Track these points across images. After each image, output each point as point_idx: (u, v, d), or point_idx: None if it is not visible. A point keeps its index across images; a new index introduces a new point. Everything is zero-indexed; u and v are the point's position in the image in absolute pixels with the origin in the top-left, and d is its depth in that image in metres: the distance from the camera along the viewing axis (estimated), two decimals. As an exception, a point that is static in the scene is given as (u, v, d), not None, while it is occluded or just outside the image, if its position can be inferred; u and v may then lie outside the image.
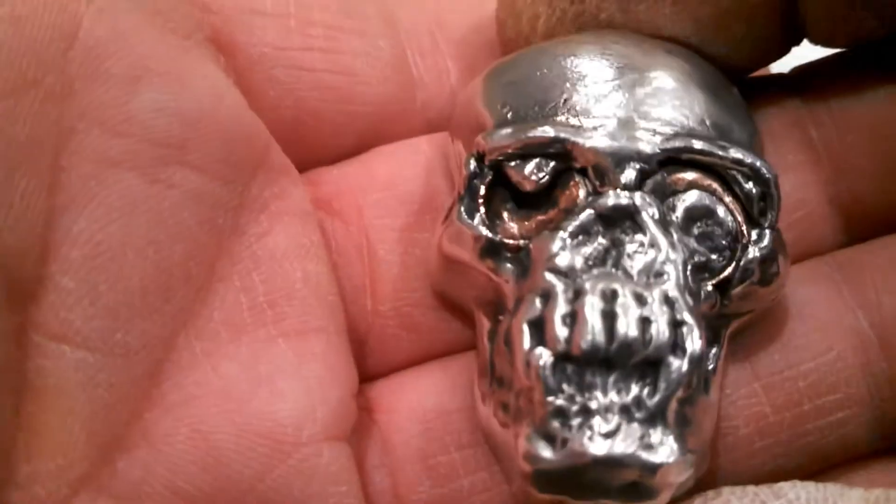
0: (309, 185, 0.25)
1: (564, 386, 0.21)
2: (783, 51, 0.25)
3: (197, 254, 0.21)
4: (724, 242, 0.23)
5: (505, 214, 0.23)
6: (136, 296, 0.21)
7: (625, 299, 0.21)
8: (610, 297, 0.21)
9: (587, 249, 0.22)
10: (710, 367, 0.23)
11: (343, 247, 0.25)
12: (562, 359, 0.21)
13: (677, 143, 0.22)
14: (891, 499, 0.20)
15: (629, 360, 0.21)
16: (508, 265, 0.23)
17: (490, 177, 0.23)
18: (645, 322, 0.21)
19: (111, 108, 0.20)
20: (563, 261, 0.22)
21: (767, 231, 0.23)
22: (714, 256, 0.23)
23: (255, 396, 0.21)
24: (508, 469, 0.22)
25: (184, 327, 0.21)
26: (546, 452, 0.20)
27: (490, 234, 0.23)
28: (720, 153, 0.23)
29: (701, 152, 0.23)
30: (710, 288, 0.22)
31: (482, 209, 0.23)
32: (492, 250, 0.23)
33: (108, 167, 0.20)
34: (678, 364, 0.21)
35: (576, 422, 0.21)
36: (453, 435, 0.24)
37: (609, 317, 0.21)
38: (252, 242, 0.22)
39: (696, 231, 0.23)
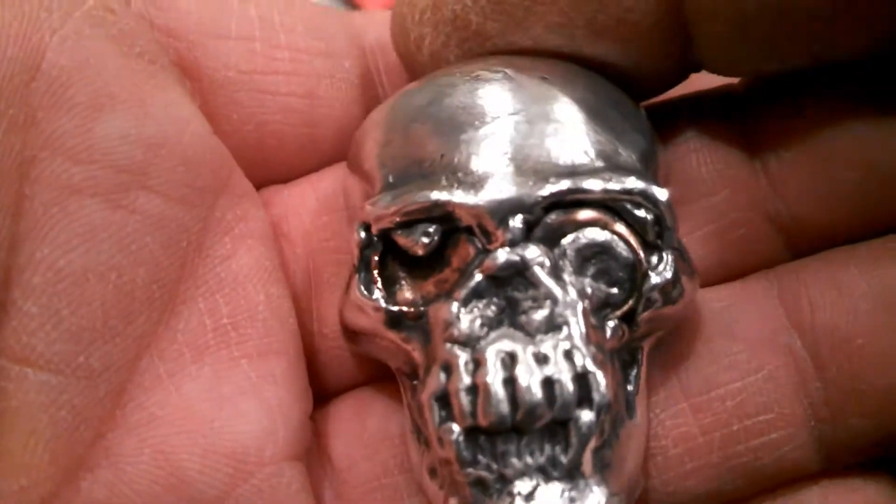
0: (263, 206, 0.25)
1: (479, 457, 0.21)
2: (679, 80, 0.25)
3: (160, 277, 0.22)
4: (622, 275, 0.23)
5: (401, 278, 0.23)
6: (98, 320, 0.21)
7: (525, 362, 0.21)
8: (510, 363, 0.21)
9: (483, 312, 0.22)
10: (631, 388, 0.22)
11: (292, 269, 0.25)
12: (472, 431, 0.21)
13: (560, 186, 0.22)
14: None
15: (537, 423, 0.21)
16: (413, 333, 0.23)
17: (380, 246, 0.23)
18: (548, 383, 0.21)
19: (74, 136, 0.21)
20: (460, 329, 0.22)
21: (666, 254, 0.22)
22: (614, 290, 0.22)
23: (217, 417, 0.22)
24: None
25: (147, 349, 0.22)
26: None
27: (389, 307, 0.23)
28: (607, 187, 0.22)
29: (584, 191, 0.22)
30: (615, 322, 0.22)
31: (378, 280, 0.23)
32: (394, 321, 0.23)
33: (70, 194, 0.21)
34: (587, 417, 0.21)
35: (496, 489, 0.21)
36: (397, 458, 0.24)
37: (511, 383, 0.21)
38: (216, 265, 0.23)
39: (591, 270, 0.22)
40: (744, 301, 0.24)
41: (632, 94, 0.24)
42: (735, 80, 0.26)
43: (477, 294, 0.22)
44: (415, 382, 0.23)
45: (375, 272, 0.23)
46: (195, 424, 0.22)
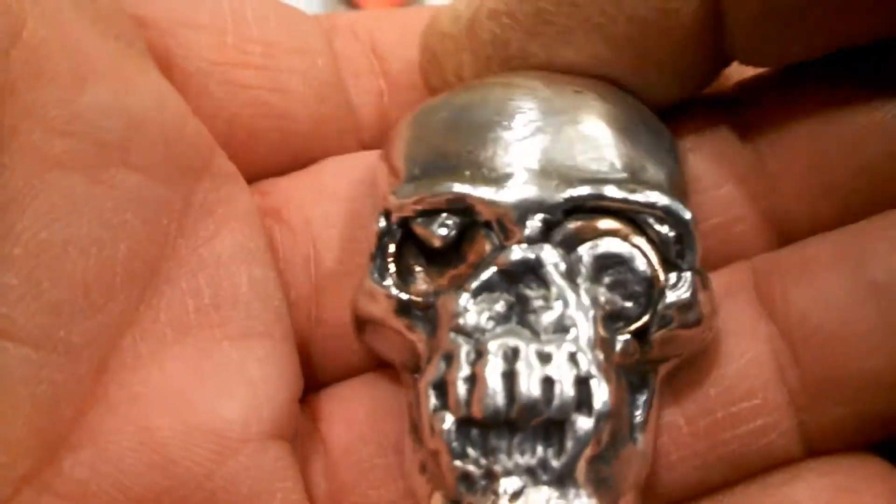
0: (258, 194, 0.25)
1: (469, 450, 0.21)
2: (711, 77, 0.25)
3: (141, 253, 0.21)
4: (637, 289, 0.22)
5: (417, 270, 0.23)
6: (79, 293, 0.20)
7: (527, 358, 0.21)
8: (511, 357, 0.21)
9: (492, 306, 0.22)
10: (639, 414, 0.22)
11: (290, 255, 0.25)
12: (465, 422, 0.21)
13: (583, 191, 0.22)
14: None
15: (531, 421, 0.20)
16: (420, 323, 0.22)
17: (399, 234, 0.23)
18: (547, 382, 0.21)
19: (55, 107, 0.20)
20: (466, 320, 0.21)
21: (686, 274, 0.22)
22: (628, 304, 0.22)
23: (201, 394, 0.21)
24: None
25: (129, 327, 0.21)
26: None
27: (400, 294, 0.23)
28: (630, 197, 0.22)
29: (608, 198, 0.22)
30: (626, 336, 0.22)
31: (392, 268, 0.23)
32: (403, 309, 0.22)
33: (51, 166, 0.20)
34: (584, 423, 0.20)
35: (481, 485, 0.20)
36: (391, 439, 0.24)
37: (510, 377, 0.21)
38: (199, 245, 0.22)
39: (607, 280, 0.22)
40: (722, 290, 0.24)
41: (670, 97, 0.25)
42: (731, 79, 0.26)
43: (488, 287, 0.22)
44: (416, 376, 0.22)
45: (390, 261, 0.23)
46: (178, 402, 0.21)
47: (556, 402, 0.20)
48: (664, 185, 0.23)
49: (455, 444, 0.21)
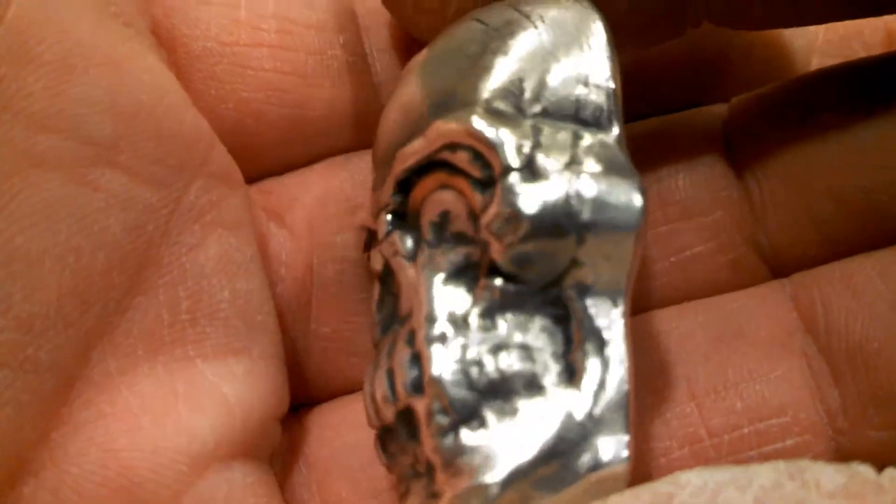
0: (260, 194, 0.24)
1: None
2: (678, 29, 0.23)
3: (120, 263, 0.20)
4: (472, 227, 0.20)
5: None
6: (52, 307, 0.19)
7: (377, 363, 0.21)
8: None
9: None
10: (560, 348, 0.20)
11: (291, 263, 0.23)
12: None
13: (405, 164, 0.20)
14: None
15: (385, 421, 0.20)
16: None
17: None
18: (389, 374, 0.20)
19: (40, 99, 0.19)
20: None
21: (500, 183, 0.19)
22: (471, 249, 0.20)
23: (170, 414, 0.20)
24: None
25: (99, 341, 0.20)
26: None
27: None
28: (413, 147, 0.20)
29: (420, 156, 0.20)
30: (487, 281, 0.20)
31: None
32: None
33: (32, 165, 0.19)
34: (421, 404, 0.19)
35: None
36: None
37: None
38: (182, 254, 0.21)
39: (448, 236, 0.20)
40: (756, 303, 0.23)
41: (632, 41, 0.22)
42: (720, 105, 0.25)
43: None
44: None
45: None
46: (146, 422, 0.20)
47: (398, 391, 0.20)
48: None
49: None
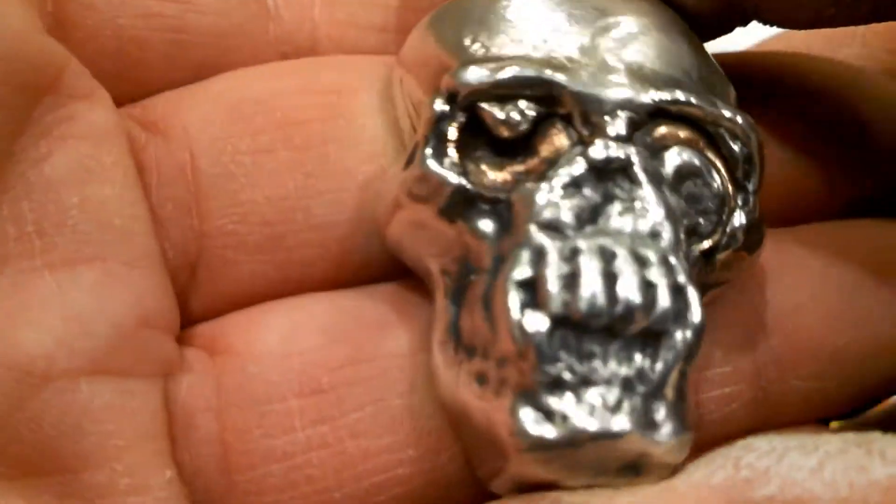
0: (138, 108, 0.23)
1: (562, 354, 0.19)
2: (725, 26, 0.23)
3: None
4: (711, 205, 0.21)
5: (475, 163, 0.21)
6: None
7: (624, 260, 0.20)
8: (608, 257, 0.20)
9: (578, 204, 0.20)
10: None
11: (164, 166, 0.22)
12: (558, 324, 0.19)
13: (668, 95, 0.21)
14: None
15: (631, 327, 0.19)
16: (484, 219, 0.20)
17: (462, 118, 0.20)
18: (648, 286, 0.19)
19: None
20: (553, 216, 0.20)
21: (752, 196, 0.22)
22: (702, 220, 0.21)
23: (8, 328, 0.20)
24: (484, 448, 0.20)
25: None
26: (542, 429, 0.19)
27: (465, 183, 0.20)
28: (710, 109, 0.21)
29: (692, 105, 0.21)
30: (697, 253, 0.21)
31: (453, 155, 0.20)
32: (466, 201, 0.20)
33: None
34: (682, 335, 0.20)
35: (575, 394, 0.19)
36: (293, 382, 0.21)
37: (609, 278, 0.19)
38: (25, 169, 0.20)
39: (684, 192, 0.21)
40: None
41: None
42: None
43: (575, 183, 0.20)
44: (472, 278, 0.20)
45: (452, 146, 0.20)
46: None
47: (656, 309, 0.19)
48: (731, 102, 0.22)
49: (547, 348, 0.19)
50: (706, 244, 0.21)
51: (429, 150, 0.20)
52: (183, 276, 0.22)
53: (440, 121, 0.20)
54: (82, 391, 0.20)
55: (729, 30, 0.23)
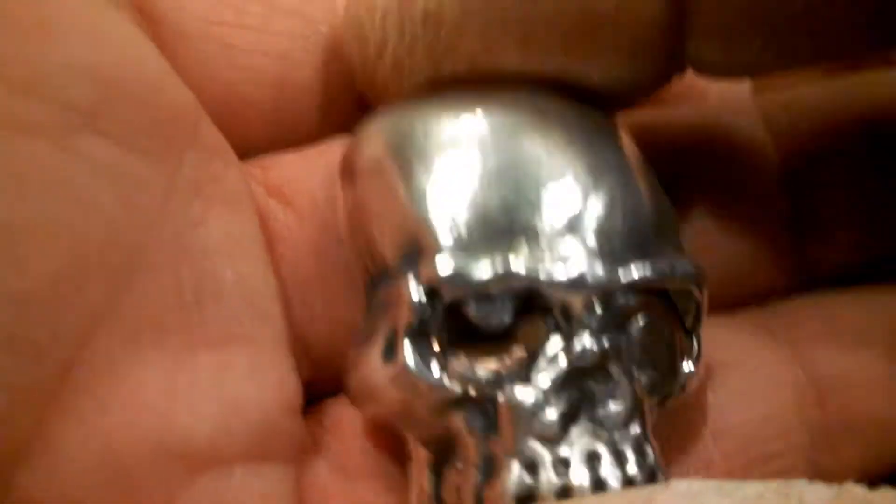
0: (258, 168, 0.23)
1: None
2: (661, 84, 0.23)
3: (118, 238, 0.19)
4: (665, 359, 0.22)
5: (455, 354, 0.20)
6: (46, 284, 0.18)
7: (609, 463, 0.20)
8: (594, 463, 0.20)
9: (562, 405, 0.20)
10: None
11: (296, 241, 0.22)
12: None
13: (637, 273, 0.21)
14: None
15: None
16: (471, 414, 0.20)
17: (443, 316, 0.20)
18: (629, 484, 0.20)
19: (18, 63, 0.18)
20: (544, 424, 0.20)
21: (695, 343, 0.22)
22: (658, 375, 0.22)
23: (171, 410, 0.19)
24: None
25: (101, 324, 0.19)
26: None
27: (452, 387, 0.20)
28: (669, 275, 0.21)
29: (655, 279, 0.21)
30: (654, 404, 0.22)
31: (436, 350, 0.20)
32: (457, 404, 0.20)
33: (16, 132, 0.18)
34: None
35: None
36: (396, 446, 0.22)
37: (599, 486, 0.20)
38: (184, 231, 0.20)
39: (645, 356, 0.21)
40: (745, 335, 0.24)
41: (616, 104, 0.23)
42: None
43: (559, 384, 0.20)
44: (457, 465, 0.21)
45: (434, 342, 0.20)
46: (147, 418, 0.19)
47: None
48: (679, 240, 0.22)
49: None
50: (662, 396, 0.22)
51: (410, 351, 0.20)
52: (302, 357, 0.22)
53: (421, 313, 0.20)
54: (235, 478, 0.20)
55: (668, 82, 0.23)
